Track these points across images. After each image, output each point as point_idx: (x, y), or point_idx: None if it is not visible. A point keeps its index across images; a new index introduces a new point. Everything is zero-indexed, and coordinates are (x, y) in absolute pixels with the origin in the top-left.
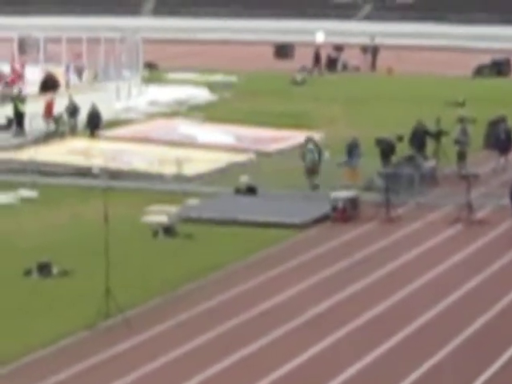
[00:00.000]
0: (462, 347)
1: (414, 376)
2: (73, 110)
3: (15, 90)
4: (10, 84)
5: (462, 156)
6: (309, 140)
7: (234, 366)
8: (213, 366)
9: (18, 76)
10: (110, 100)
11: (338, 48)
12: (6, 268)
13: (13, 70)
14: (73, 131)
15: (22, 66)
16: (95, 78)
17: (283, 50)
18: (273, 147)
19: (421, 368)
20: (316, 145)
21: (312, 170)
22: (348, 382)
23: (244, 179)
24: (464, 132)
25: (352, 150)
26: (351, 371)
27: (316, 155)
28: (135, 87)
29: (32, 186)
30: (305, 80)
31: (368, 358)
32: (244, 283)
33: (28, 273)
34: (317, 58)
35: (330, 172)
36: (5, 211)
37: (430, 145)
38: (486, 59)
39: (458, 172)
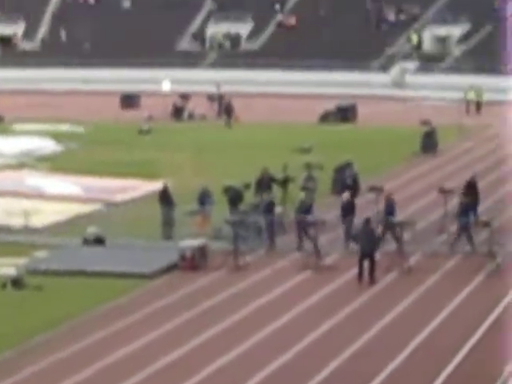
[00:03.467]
0: None
1: None
2: None
3: None
4: None
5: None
6: None
7: None
8: None
9: None
10: None
11: (184, 96)
12: None
13: None
14: None
15: None
16: None
17: (129, 100)
18: (120, 197)
19: None
20: None
21: None
22: None
23: (92, 230)
24: (310, 178)
25: (203, 198)
26: None
27: None
28: None
29: None
30: (151, 129)
31: None
32: (93, 334)
33: None
34: (227, 109)
35: (178, 221)
36: None
37: (277, 192)
38: (332, 105)
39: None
